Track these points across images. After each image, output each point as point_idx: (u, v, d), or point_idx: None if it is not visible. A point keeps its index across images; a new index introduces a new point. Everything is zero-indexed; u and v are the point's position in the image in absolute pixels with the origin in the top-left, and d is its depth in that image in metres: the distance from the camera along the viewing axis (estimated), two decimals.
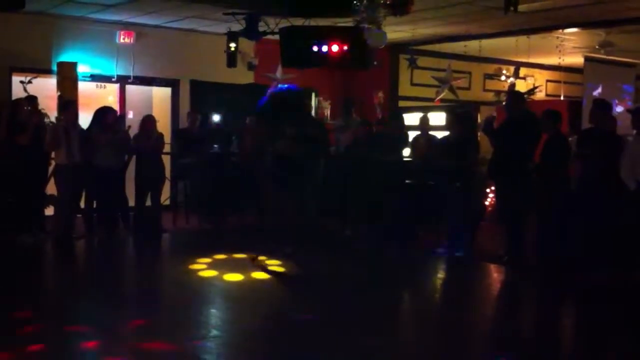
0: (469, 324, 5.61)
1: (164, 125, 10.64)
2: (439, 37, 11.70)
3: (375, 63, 9.50)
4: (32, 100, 8.93)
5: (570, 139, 7.89)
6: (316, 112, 11.53)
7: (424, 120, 9.54)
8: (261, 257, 7.54)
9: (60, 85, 10.29)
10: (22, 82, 9.74)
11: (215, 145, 10.23)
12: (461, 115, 8.79)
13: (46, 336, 4.89)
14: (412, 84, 12.97)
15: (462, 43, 11.70)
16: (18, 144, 8.23)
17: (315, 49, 9.00)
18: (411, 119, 10.25)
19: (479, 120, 10.25)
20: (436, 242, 8.41)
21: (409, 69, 12.46)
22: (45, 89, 10.10)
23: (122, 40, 10.92)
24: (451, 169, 7.96)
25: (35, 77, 9.81)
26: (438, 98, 12.17)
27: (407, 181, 9.12)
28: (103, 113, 8.95)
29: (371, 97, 12.17)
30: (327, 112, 11.91)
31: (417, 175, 9.02)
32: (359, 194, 9.04)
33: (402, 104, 12.74)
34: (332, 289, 6.58)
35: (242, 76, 11.38)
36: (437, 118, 10.93)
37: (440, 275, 7.78)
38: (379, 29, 8.44)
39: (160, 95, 11.84)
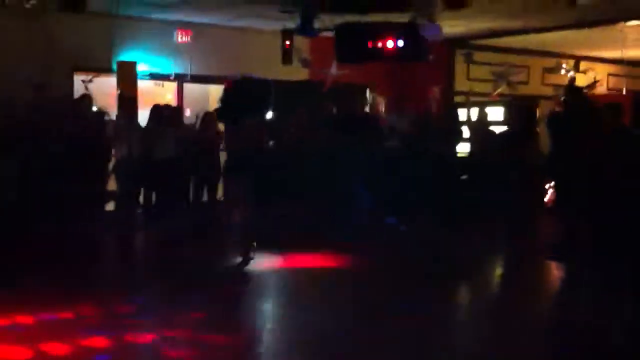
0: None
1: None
2: (496, 31, 11.51)
3: (430, 58, 9.42)
4: (87, 98, 9.22)
5: None
6: (371, 108, 11.47)
7: (482, 115, 9.42)
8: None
9: (120, 84, 10.51)
10: (83, 81, 10.00)
11: (270, 142, 10.28)
12: (521, 108, 8.65)
13: (105, 326, 5.02)
14: (469, 79, 12.80)
15: (520, 37, 11.48)
16: (79, 139, 8.47)
17: (370, 44, 8.98)
18: (469, 114, 10.13)
19: (537, 115, 10.06)
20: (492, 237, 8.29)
21: (465, 63, 12.31)
22: (106, 87, 10.35)
23: (180, 39, 11.08)
24: (509, 163, 7.84)
25: (96, 76, 10.06)
26: (495, 93, 11.99)
27: (462, 176, 9.01)
28: (160, 109, 9.12)
29: (426, 93, 12.05)
30: (383, 107, 11.84)
31: (473, 170, 8.90)
32: (414, 188, 8.93)
33: (458, 99, 12.59)
34: (389, 284, 6.54)
35: (297, 73, 11.42)
36: (495, 113, 10.77)
37: (502, 268, 7.67)
38: (434, 23, 8.39)
39: (216, 92, 11.96)
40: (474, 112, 9.60)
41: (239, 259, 7.41)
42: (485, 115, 9.44)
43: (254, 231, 7.62)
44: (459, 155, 9.15)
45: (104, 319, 5.25)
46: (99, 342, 4.68)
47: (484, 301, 6.45)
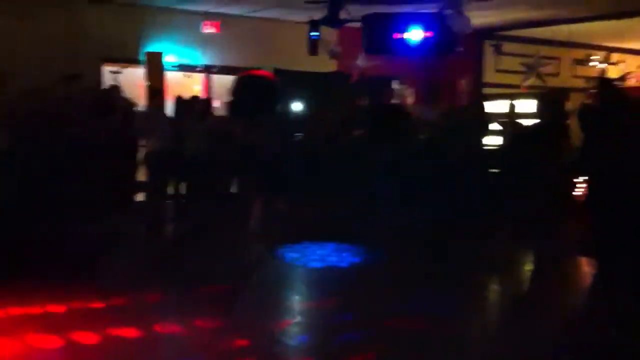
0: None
1: None
2: (526, 22, 11.36)
3: (459, 49, 9.34)
4: (116, 89, 9.27)
5: None
6: (399, 99, 11.43)
7: (512, 109, 9.32)
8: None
9: (148, 75, 10.58)
10: (112, 72, 10.08)
11: (298, 133, 10.28)
12: (551, 101, 8.52)
13: (134, 316, 5.07)
14: (498, 71, 12.68)
15: (549, 28, 11.33)
16: (108, 130, 8.53)
17: (398, 36, 8.92)
18: (497, 106, 10.04)
19: (568, 107, 9.91)
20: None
21: (494, 55, 12.19)
22: (134, 78, 10.42)
23: (207, 30, 11.11)
24: (539, 157, 7.74)
25: (124, 67, 10.14)
26: (525, 85, 11.86)
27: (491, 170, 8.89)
28: (190, 101, 9.15)
29: (455, 84, 11.97)
30: (410, 99, 11.78)
31: (503, 163, 8.78)
32: (438, 182, 8.82)
33: (486, 91, 12.48)
34: (419, 281, 6.48)
35: (325, 64, 11.39)
36: (524, 105, 10.65)
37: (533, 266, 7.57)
38: (463, 14, 8.31)
39: None
40: (504, 105, 9.50)
41: (264, 253, 7.42)
42: (514, 107, 9.33)
43: (279, 225, 7.63)
44: (489, 148, 9.04)
45: (133, 309, 5.29)
46: (128, 332, 4.72)
47: (518, 299, 6.39)
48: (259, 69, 8.91)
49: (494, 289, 6.74)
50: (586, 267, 7.42)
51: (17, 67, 8.82)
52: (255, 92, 7.90)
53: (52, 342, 4.51)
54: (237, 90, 8.06)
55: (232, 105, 8.18)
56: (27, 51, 9.31)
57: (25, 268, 6.34)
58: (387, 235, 7.83)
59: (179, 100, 9.22)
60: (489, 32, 12.21)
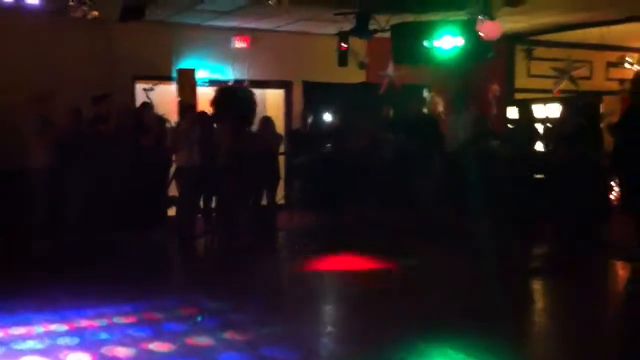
0: None
1: (277, 126, 10.82)
2: (557, 25, 11.23)
3: (490, 56, 9.26)
4: (147, 107, 9.42)
5: None
6: (429, 108, 11.37)
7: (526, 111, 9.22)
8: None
9: (180, 91, 10.68)
10: (144, 89, 10.21)
11: (328, 145, 10.30)
12: (581, 106, 8.42)
13: (167, 329, 5.09)
14: (529, 76, 12.53)
15: (581, 31, 11.18)
16: (141, 146, 8.66)
17: (427, 44, 8.87)
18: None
19: (601, 110, 9.78)
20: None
21: (525, 60, 12.06)
22: (166, 95, 10.54)
23: (237, 45, 11.20)
24: (573, 161, 7.63)
25: (156, 84, 10.26)
26: (557, 89, 11.71)
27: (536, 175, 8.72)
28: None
29: (486, 91, 11.86)
30: (441, 107, 11.71)
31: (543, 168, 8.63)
32: (482, 188, 8.68)
33: (518, 96, 12.34)
34: (453, 287, 6.42)
35: (354, 75, 11.40)
36: (557, 110, 10.51)
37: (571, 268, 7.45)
38: (493, 20, 8.23)
39: (274, 97, 12.06)
40: (538, 110, 9.40)
41: (298, 262, 7.43)
42: (529, 110, 9.22)
43: (313, 235, 7.63)
44: (532, 152, 8.87)
45: (166, 321, 5.32)
46: (161, 346, 4.74)
47: (555, 302, 6.30)
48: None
49: (533, 291, 6.62)
50: (622, 270, 7.29)
51: (53, 87, 8.98)
52: (236, 103, 8.26)
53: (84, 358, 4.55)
54: (219, 102, 8.40)
55: (215, 116, 8.49)
56: (61, 71, 9.47)
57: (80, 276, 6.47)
58: (436, 241, 7.80)
59: (211, 115, 9.28)
60: (520, 37, 12.09)
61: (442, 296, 6.11)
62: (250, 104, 8.68)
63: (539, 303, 6.48)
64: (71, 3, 8.40)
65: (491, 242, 7.69)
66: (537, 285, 6.92)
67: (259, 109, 11.32)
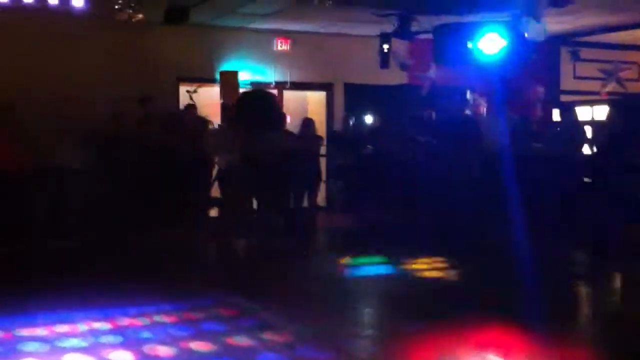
0: None
1: (319, 128, 10.83)
2: (604, 26, 11.01)
3: (534, 57, 9.12)
4: (191, 108, 9.52)
5: None
6: (471, 110, 11.24)
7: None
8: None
9: (222, 93, 10.78)
10: (188, 91, 10.33)
11: (369, 146, 10.26)
12: (629, 108, 8.20)
13: (208, 329, 5.12)
14: (575, 77, 12.31)
15: (628, 32, 10.94)
16: (180, 147, 8.76)
17: (470, 45, 8.78)
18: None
19: None
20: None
21: (571, 61, 11.85)
22: (209, 97, 10.65)
23: (279, 48, 11.26)
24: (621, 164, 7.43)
25: (200, 87, 10.37)
26: (604, 91, 11.48)
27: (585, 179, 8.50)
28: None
29: (530, 93, 11.69)
30: (484, 109, 11.59)
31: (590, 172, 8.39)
32: (524, 192, 8.49)
33: (563, 98, 12.13)
34: (491, 291, 6.33)
35: (396, 77, 11.35)
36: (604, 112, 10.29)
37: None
38: (538, 21, 8.11)
39: (315, 99, 12.09)
40: (585, 112, 9.21)
41: (339, 264, 7.41)
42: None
43: (354, 237, 7.61)
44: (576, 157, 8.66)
45: (205, 321, 5.36)
46: (201, 345, 4.78)
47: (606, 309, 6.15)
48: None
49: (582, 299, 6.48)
50: None
51: (98, 90, 9.15)
52: (259, 107, 8.24)
53: (124, 356, 4.60)
54: (241, 107, 8.40)
55: (237, 120, 8.49)
56: (107, 74, 9.63)
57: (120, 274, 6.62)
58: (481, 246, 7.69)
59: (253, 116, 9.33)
60: (566, 39, 11.88)
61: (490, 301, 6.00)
62: (266, 106, 8.63)
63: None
64: (116, 6, 8.55)
65: (537, 249, 7.52)
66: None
67: (300, 111, 11.40)
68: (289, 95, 11.69)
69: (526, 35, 8.03)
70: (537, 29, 8.02)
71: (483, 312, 5.42)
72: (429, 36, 9.57)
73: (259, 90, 10.32)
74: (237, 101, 9.23)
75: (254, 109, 8.62)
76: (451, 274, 7.24)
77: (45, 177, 8.33)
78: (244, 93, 10.05)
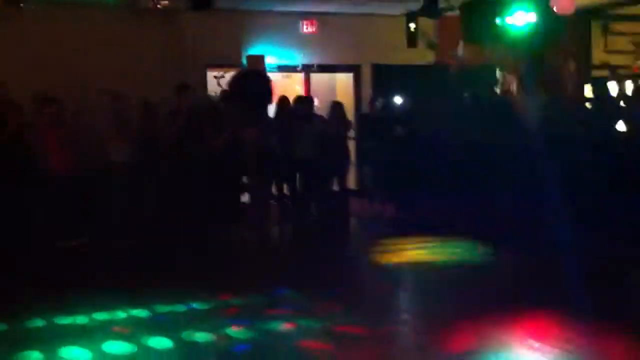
0: None
1: (347, 110, 10.79)
2: None
3: (564, 32, 8.97)
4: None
5: None
6: (501, 88, 11.10)
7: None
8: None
9: None
10: (215, 77, 10.35)
11: (399, 128, 10.19)
12: None
13: (245, 316, 5.18)
14: (606, 51, 12.08)
15: None
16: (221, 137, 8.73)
17: (498, 21, 8.67)
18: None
19: None
20: None
21: (602, 35, 11.62)
22: None
23: (305, 30, 11.21)
24: None
25: (227, 72, 10.37)
26: (637, 65, 11.26)
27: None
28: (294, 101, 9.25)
29: (561, 69, 11.49)
30: (514, 87, 11.44)
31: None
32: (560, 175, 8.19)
33: (595, 73, 11.91)
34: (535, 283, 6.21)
35: (423, 56, 11.25)
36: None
37: None
38: None
39: (343, 80, 12.03)
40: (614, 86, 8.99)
41: (372, 250, 7.40)
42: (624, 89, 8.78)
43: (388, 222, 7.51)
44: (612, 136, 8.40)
45: (243, 308, 5.41)
46: (240, 332, 4.83)
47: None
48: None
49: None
50: None
51: (127, 77, 9.19)
52: (254, 85, 8.09)
53: (163, 342, 4.67)
54: (236, 84, 8.23)
55: (232, 98, 8.33)
56: (133, 62, 9.68)
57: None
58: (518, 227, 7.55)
59: (283, 101, 9.31)
60: (597, 11, 11.64)
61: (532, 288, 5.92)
62: (257, 87, 8.42)
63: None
64: None
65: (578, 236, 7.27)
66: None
67: (329, 94, 11.35)
68: (317, 78, 11.66)
69: (555, 9, 7.88)
70: (566, 3, 7.87)
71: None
72: (457, 13, 9.45)
73: (246, 70, 10.13)
74: (229, 84, 9.01)
75: (244, 88, 8.44)
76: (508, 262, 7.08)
77: (87, 175, 8.28)
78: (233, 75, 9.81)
